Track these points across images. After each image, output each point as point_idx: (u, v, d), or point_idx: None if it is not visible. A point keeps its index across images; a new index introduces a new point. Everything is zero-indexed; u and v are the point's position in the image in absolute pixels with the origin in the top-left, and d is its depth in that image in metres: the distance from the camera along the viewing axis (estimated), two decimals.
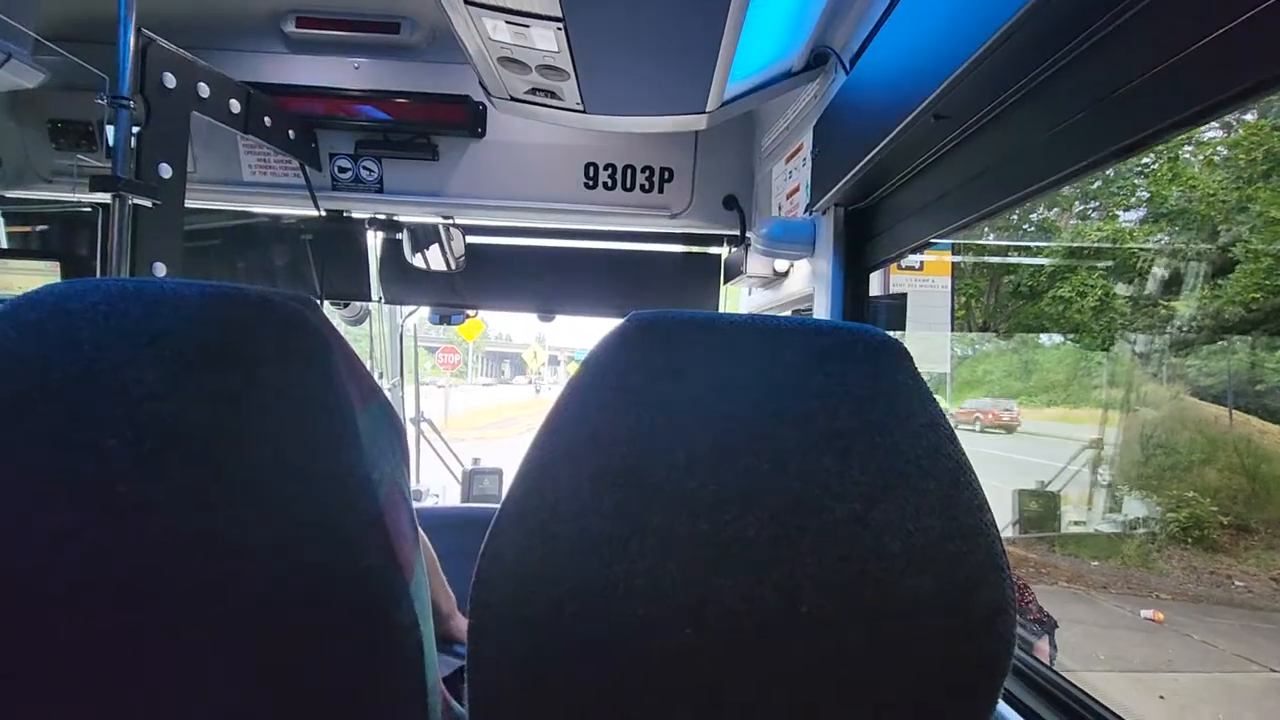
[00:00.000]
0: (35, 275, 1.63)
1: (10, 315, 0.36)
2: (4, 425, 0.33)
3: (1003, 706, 0.88)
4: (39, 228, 1.93)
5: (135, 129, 1.10)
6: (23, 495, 0.32)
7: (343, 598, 0.36)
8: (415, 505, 0.52)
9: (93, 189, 1.06)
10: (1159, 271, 6.94)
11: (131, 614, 0.33)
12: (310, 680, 0.36)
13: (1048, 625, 2.80)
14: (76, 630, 0.33)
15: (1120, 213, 7.62)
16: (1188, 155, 7.00)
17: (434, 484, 2.94)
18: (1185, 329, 6.82)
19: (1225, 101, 0.50)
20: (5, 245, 1.90)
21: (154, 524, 0.33)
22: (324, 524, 0.36)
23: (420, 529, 0.47)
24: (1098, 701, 0.84)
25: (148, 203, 1.10)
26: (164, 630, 0.34)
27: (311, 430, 0.37)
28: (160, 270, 1.14)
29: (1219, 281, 6.48)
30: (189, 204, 1.20)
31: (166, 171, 1.14)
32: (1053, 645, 2.76)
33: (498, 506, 0.41)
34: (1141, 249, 7.16)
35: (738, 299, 1.99)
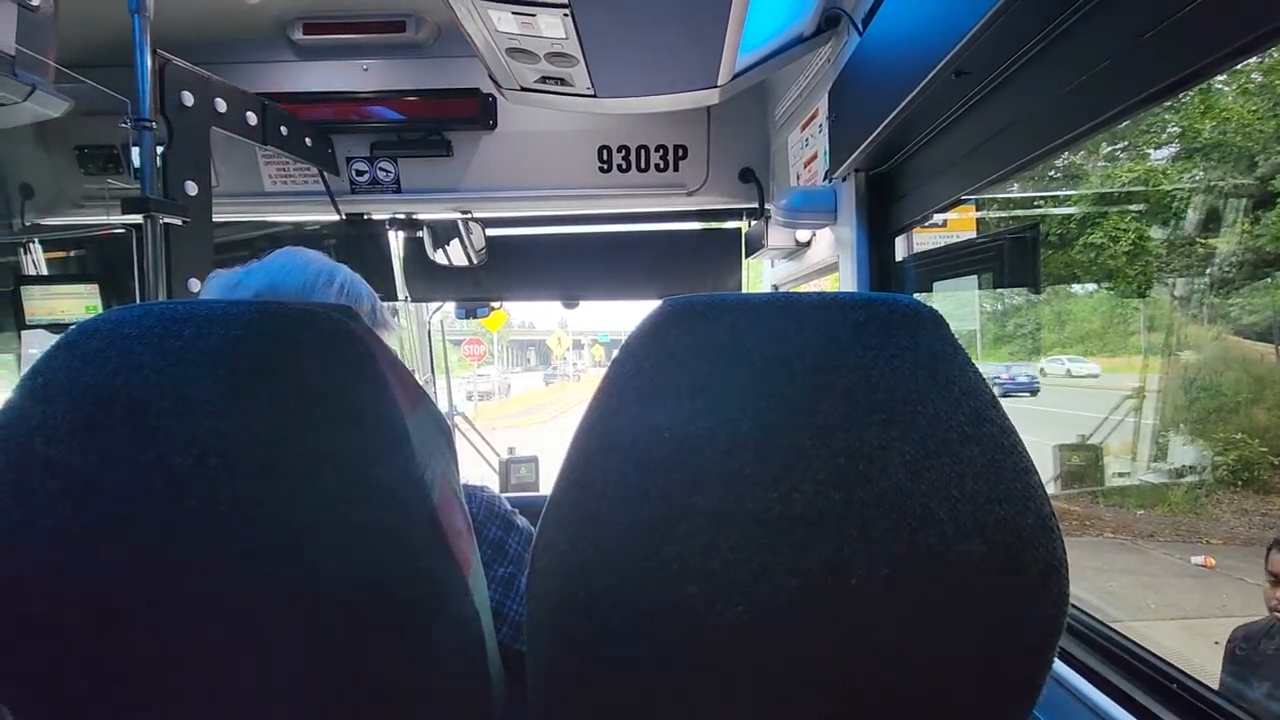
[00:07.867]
0: (74, 299, 1.68)
1: (74, 345, 0.37)
2: (78, 450, 0.35)
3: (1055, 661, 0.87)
4: (75, 252, 1.99)
5: (159, 149, 1.12)
6: (102, 517, 0.34)
7: (407, 597, 0.38)
8: None
9: (124, 211, 1.09)
10: (1195, 210, 6.67)
11: (211, 624, 0.35)
12: (383, 676, 0.38)
13: None
14: (161, 641, 0.35)
15: (1151, 151, 7.30)
16: (1220, 84, 6.66)
17: (471, 475, 2.98)
18: (1225, 267, 6.56)
19: (1253, 43, 0.48)
20: (46, 271, 1.96)
21: (225, 537, 0.35)
22: (384, 529, 0.37)
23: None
24: (1149, 650, 0.83)
25: (178, 221, 1.13)
26: (241, 637, 0.36)
27: (366, 438, 0.38)
28: (195, 286, 1.17)
29: (1259, 215, 6.21)
30: (214, 218, 1.23)
31: (192, 189, 1.16)
32: None
33: (537, 494, 0.41)
34: (1176, 188, 6.88)
35: (760, 272, 1.97)
